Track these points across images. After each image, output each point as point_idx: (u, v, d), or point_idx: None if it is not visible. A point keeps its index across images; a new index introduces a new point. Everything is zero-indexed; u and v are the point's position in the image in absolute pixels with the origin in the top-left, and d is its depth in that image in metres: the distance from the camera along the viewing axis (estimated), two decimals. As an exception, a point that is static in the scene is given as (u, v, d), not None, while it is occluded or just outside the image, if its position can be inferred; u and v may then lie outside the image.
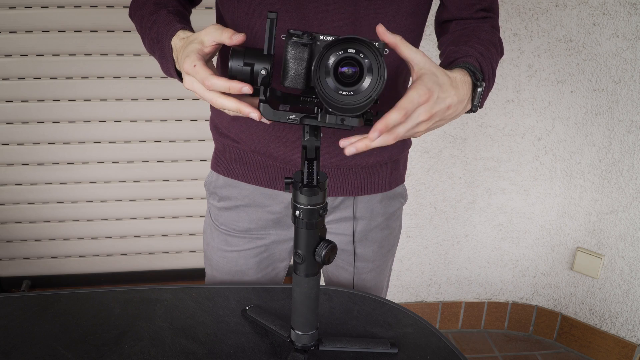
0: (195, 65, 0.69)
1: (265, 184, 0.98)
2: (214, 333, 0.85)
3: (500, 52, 0.90)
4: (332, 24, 0.83)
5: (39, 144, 1.83)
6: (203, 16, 1.67)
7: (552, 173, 1.95)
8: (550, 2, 1.75)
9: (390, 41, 0.68)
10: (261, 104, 0.69)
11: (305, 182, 0.68)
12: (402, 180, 1.06)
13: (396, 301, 1.98)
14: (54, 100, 1.78)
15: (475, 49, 0.82)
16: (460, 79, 0.74)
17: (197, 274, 2.10)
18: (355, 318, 0.91)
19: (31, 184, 1.89)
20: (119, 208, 1.96)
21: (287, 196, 0.98)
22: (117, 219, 1.98)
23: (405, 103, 0.66)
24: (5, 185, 1.88)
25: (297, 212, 0.69)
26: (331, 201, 0.99)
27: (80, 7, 1.68)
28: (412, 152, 1.91)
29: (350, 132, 0.70)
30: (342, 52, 0.62)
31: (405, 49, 0.69)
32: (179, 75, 0.81)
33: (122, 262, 2.06)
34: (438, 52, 0.93)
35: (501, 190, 2.00)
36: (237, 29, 0.86)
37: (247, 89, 0.68)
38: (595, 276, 1.97)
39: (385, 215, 1.04)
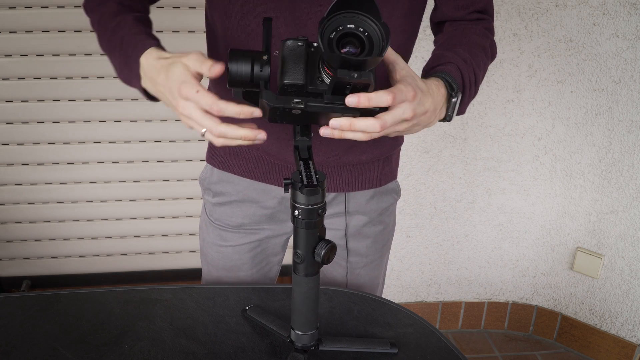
0: (198, 91, 0.67)
1: (259, 178, 0.98)
2: (214, 333, 0.85)
3: (490, 56, 0.91)
4: None
5: (39, 144, 1.83)
6: (188, 16, 1.67)
7: (552, 173, 1.95)
8: (550, 2, 1.75)
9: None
10: (264, 90, 0.67)
11: (305, 182, 0.68)
12: (395, 177, 1.07)
13: (396, 301, 1.98)
14: (54, 100, 1.78)
15: (459, 56, 0.82)
16: (435, 89, 0.75)
17: (197, 274, 2.10)
18: (355, 318, 0.91)
19: (31, 184, 1.89)
20: (119, 208, 1.96)
21: (281, 191, 0.99)
22: (117, 219, 1.98)
23: (394, 89, 0.68)
24: (5, 185, 1.88)
25: (296, 212, 0.69)
26: None
27: (80, 7, 1.68)
28: (412, 152, 1.91)
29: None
30: (342, 27, 0.62)
31: (389, 52, 0.71)
32: (144, 90, 0.79)
33: (122, 262, 2.06)
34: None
35: (501, 190, 2.00)
36: (228, 29, 0.86)
37: (258, 112, 0.68)
38: (595, 276, 1.97)
39: (378, 211, 1.05)
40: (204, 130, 0.70)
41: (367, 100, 0.65)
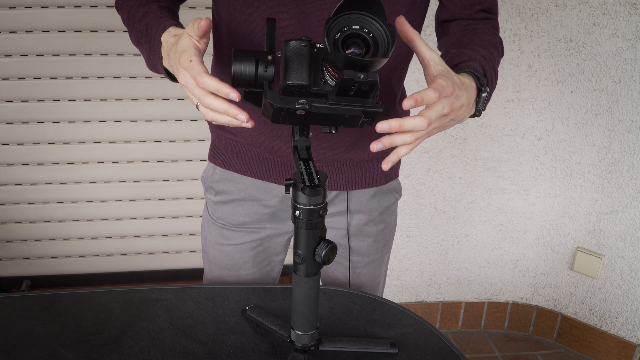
0: (191, 61, 0.68)
1: (261, 176, 0.99)
2: (214, 333, 0.85)
3: (500, 53, 0.91)
4: None
5: (39, 144, 1.83)
6: (188, 16, 1.67)
7: (552, 173, 1.95)
8: (550, 2, 1.75)
9: (409, 35, 0.68)
10: (269, 90, 0.67)
11: (307, 183, 0.68)
12: (396, 175, 1.07)
13: (396, 301, 1.98)
14: (54, 100, 1.78)
15: (478, 53, 0.82)
16: (468, 83, 0.75)
17: (197, 274, 2.10)
18: (355, 318, 0.91)
19: (31, 184, 1.89)
20: (119, 208, 1.96)
21: (282, 190, 0.99)
22: (117, 219, 1.98)
23: (437, 86, 0.67)
24: (5, 185, 1.88)
25: (297, 212, 0.69)
26: None
27: (80, 7, 1.68)
28: (412, 152, 1.91)
29: (345, 126, 0.70)
30: (347, 28, 0.62)
31: (422, 45, 0.70)
32: (166, 71, 0.80)
33: (122, 262, 2.06)
34: (439, 53, 0.93)
35: (501, 190, 2.00)
36: (232, 23, 0.87)
37: (234, 95, 0.67)
38: (595, 276, 1.97)
39: (380, 210, 1.05)
40: (197, 102, 0.71)
41: (399, 126, 0.65)
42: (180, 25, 0.80)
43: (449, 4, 0.92)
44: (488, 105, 1.87)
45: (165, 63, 0.78)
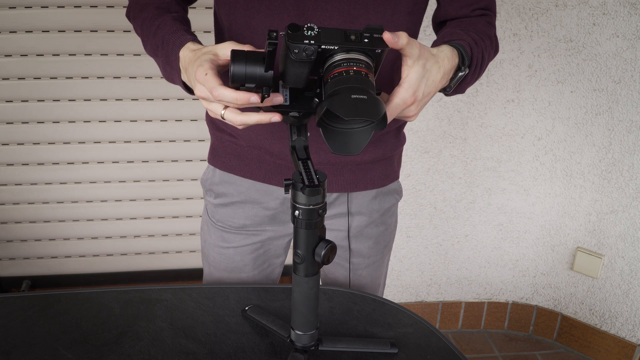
0: (206, 74, 0.69)
1: (262, 179, 0.98)
2: (214, 333, 0.85)
3: (494, 47, 0.91)
4: (331, 23, 0.83)
5: (39, 144, 1.83)
6: (203, 16, 1.68)
7: (552, 173, 1.95)
8: (550, 2, 1.75)
9: (399, 47, 0.68)
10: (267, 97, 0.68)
11: (306, 182, 0.68)
12: (397, 177, 1.07)
13: (396, 301, 1.98)
14: (54, 100, 1.78)
15: (470, 36, 0.83)
16: (448, 56, 0.75)
17: (197, 274, 2.10)
18: (355, 318, 0.91)
19: (31, 184, 1.89)
20: (119, 208, 1.96)
21: (282, 192, 0.99)
22: (117, 219, 1.98)
23: (390, 111, 0.70)
24: (5, 185, 1.88)
25: (297, 212, 0.69)
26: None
27: (80, 7, 1.68)
28: (412, 152, 1.91)
29: None
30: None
31: (408, 47, 0.69)
32: (184, 84, 0.81)
33: (122, 262, 2.06)
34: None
35: (501, 190, 2.00)
36: (233, 25, 0.87)
37: (255, 99, 0.67)
38: (595, 276, 1.97)
39: (380, 212, 1.04)
40: (222, 112, 0.71)
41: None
42: (196, 39, 0.81)
43: (446, 5, 0.92)
44: (488, 105, 1.87)
45: (184, 77, 0.79)
